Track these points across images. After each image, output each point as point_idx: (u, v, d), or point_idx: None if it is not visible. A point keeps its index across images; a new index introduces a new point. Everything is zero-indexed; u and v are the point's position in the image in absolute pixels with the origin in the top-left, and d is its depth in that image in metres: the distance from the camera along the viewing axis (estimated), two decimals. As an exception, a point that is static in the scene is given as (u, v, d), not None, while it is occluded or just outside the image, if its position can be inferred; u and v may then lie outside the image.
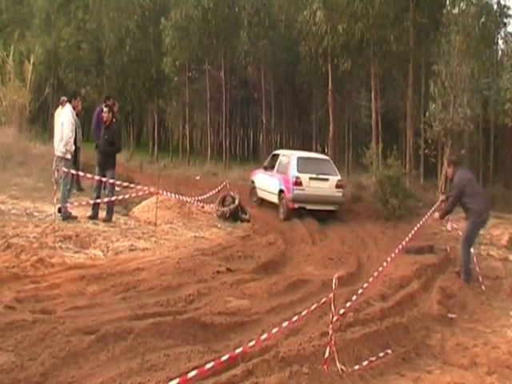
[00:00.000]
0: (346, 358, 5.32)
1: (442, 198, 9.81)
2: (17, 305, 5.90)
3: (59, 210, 10.19)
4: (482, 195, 9.51)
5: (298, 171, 14.66)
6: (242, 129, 42.93)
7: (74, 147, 10.91)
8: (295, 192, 14.47)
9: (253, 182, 17.11)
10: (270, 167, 16.35)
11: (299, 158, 15.30)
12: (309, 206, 14.57)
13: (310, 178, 14.64)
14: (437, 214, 9.47)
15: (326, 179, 14.84)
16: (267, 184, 15.98)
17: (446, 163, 9.64)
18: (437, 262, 10.01)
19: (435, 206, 9.72)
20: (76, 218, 10.60)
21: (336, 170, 15.55)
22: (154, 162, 30.50)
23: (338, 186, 14.88)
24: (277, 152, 17.43)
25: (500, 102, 21.31)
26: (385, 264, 6.88)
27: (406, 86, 22.85)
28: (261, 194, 16.30)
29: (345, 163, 28.80)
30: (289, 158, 15.62)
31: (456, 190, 9.13)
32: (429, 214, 9.49)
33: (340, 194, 15.00)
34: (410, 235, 8.36)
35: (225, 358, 4.18)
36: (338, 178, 15.07)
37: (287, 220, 14.48)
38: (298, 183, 14.49)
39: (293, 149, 29.73)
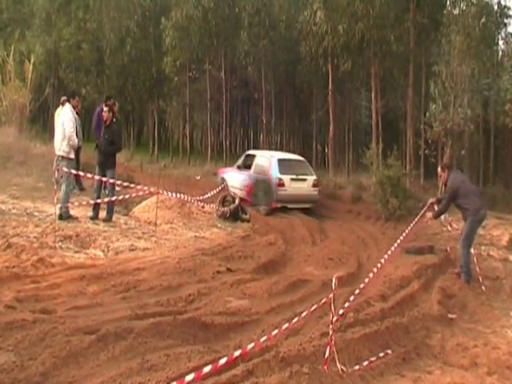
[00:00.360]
0: (347, 358, 5.32)
1: (431, 200, 9.84)
2: (17, 304, 5.90)
3: (60, 217, 10.18)
4: (477, 194, 9.57)
5: (280, 173, 15.16)
6: (243, 129, 42.93)
7: (77, 140, 10.91)
8: (278, 193, 15.01)
9: (223, 179, 17.23)
10: (245, 167, 16.75)
11: (279, 160, 15.78)
12: (290, 205, 15.20)
13: (291, 179, 15.27)
14: (430, 214, 9.49)
15: (305, 179, 15.57)
16: (244, 184, 16.18)
17: (439, 169, 9.64)
18: (437, 263, 10.00)
19: (425, 208, 9.76)
20: (77, 218, 10.60)
21: (311, 169, 16.41)
22: (155, 161, 30.51)
23: (314, 185, 15.71)
24: (251, 152, 17.83)
25: (500, 103, 21.34)
26: (379, 265, 6.88)
27: (406, 87, 22.85)
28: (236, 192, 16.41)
29: (345, 163, 28.82)
30: (268, 160, 16.03)
31: (450, 191, 9.18)
32: (418, 216, 9.53)
33: (316, 193, 15.82)
34: (401, 238, 8.40)
35: (223, 361, 4.18)
36: (314, 177, 15.91)
37: (269, 215, 14.79)
38: (280, 184, 15.06)
39: (293, 149, 29.84)
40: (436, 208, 9.53)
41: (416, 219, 9.34)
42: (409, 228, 8.82)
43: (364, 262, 10.23)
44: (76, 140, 10.84)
